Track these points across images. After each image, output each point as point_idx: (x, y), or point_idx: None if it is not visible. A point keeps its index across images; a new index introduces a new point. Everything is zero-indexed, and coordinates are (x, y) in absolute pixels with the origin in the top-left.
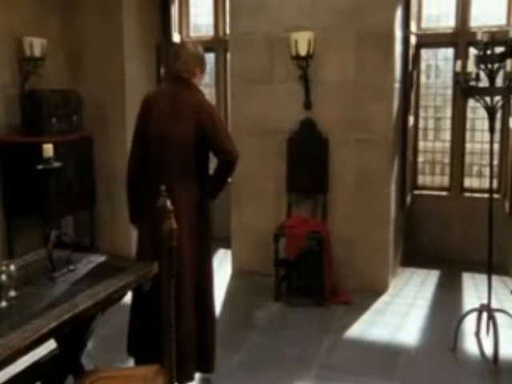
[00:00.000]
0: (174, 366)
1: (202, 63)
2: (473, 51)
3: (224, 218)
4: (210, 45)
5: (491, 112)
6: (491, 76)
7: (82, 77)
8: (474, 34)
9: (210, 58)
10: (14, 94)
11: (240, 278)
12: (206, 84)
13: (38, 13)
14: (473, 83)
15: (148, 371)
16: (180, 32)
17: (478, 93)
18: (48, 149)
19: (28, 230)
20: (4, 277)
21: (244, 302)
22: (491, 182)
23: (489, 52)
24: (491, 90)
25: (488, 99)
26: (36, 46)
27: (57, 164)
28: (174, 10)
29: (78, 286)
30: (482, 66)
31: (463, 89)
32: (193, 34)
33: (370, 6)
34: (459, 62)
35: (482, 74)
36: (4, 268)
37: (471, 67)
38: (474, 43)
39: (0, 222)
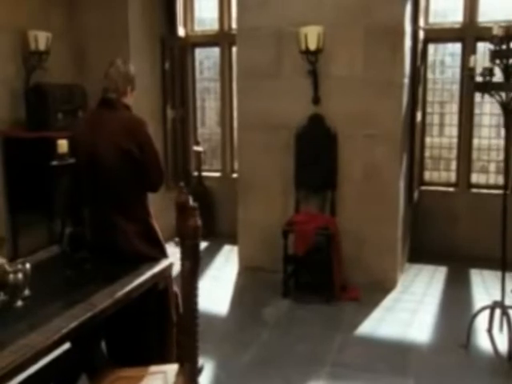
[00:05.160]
0: (197, 365)
1: (132, 81)
2: (481, 46)
3: (230, 214)
4: (215, 39)
5: (506, 108)
6: (507, 71)
7: (86, 71)
8: (482, 29)
9: (214, 52)
10: (18, 89)
11: (247, 275)
12: (211, 79)
13: (42, 6)
14: (486, 78)
15: (168, 371)
16: (185, 26)
17: (494, 88)
18: (62, 144)
19: (33, 225)
20: (20, 275)
21: (252, 299)
22: (506, 178)
23: (504, 47)
24: (507, 86)
25: (503, 95)
26: (41, 39)
27: (71, 160)
28: (179, 3)
29: (93, 285)
30: (498, 61)
31: (477, 84)
32: (197, 27)
33: (378, 1)
34: (473, 57)
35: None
36: (20, 266)
37: (481, 62)
38: (489, 38)
39: (4, 217)
